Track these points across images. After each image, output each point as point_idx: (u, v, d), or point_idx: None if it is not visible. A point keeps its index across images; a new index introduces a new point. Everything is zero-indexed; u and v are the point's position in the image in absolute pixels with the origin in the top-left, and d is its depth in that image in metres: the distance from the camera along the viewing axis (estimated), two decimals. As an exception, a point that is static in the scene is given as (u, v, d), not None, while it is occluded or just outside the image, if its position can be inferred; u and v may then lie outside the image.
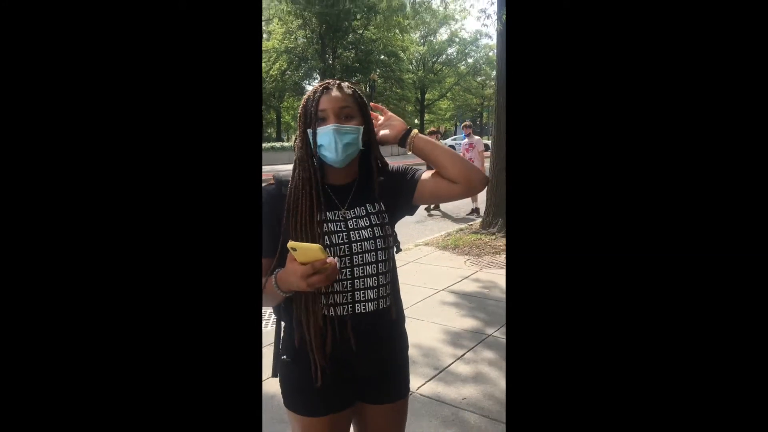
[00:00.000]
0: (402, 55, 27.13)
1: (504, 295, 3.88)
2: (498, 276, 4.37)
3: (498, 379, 2.55)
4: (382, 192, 1.18)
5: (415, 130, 1.17)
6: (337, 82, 1.15)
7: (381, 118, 1.22)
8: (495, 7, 5.95)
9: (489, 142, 8.43)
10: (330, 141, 1.09)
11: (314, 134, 1.10)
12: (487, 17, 6.05)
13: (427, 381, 2.52)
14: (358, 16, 22.96)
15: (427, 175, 1.17)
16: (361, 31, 24.00)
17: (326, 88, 1.13)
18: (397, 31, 22.08)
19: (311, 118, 1.10)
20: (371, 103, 1.20)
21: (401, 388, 1.22)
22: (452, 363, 2.73)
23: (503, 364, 2.70)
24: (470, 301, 3.69)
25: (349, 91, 1.14)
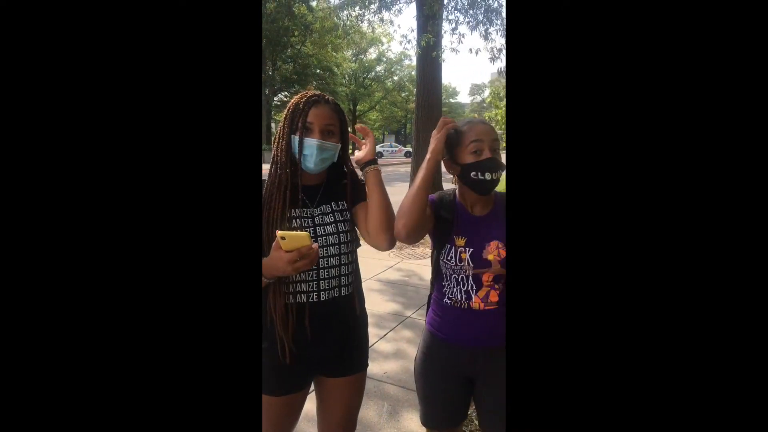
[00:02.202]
0: (336, 70, 26.95)
1: (421, 282, 3.99)
2: (416, 265, 4.48)
3: (414, 354, 2.62)
4: (347, 194, 1.20)
5: (376, 166, 1.17)
6: (325, 96, 1.14)
7: (363, 142, 1.19)
8: (415, 34, 6.08)
9: (411, 149, 8.61)
10: (312, 153, 1.10)
11: (300, 142, 1.09)
12: (408, 42, 6.16)
13: (354, 359, 2.54)
14: (296, 33, 22.43)
15: (363, 207, 1.18)
16: (298, 47, 23.47)
17: (316, 101, 1.11)
18: (330, 48, 21.86)
19: (297, 125, 1.09)
20: (357, 125, 1.22)
21: (359, 363, 1.24)
22: (376, 342, 2.77)
23: (419, 340, 2.77)
24: (393, 288, 3.76)
25: (335, 108, 1.14)
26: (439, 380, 1.23)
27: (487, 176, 1.11)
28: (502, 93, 11.93)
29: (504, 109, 10.70)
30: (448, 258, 1.17)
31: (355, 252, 1.22)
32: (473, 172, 1.12)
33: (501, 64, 5.70)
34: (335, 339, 1.16)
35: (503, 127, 11.02)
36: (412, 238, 1.11)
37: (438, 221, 1.20)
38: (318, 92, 1.14)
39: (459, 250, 1.16)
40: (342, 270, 1.15)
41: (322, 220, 1.14)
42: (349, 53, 30.70)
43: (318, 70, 24.95)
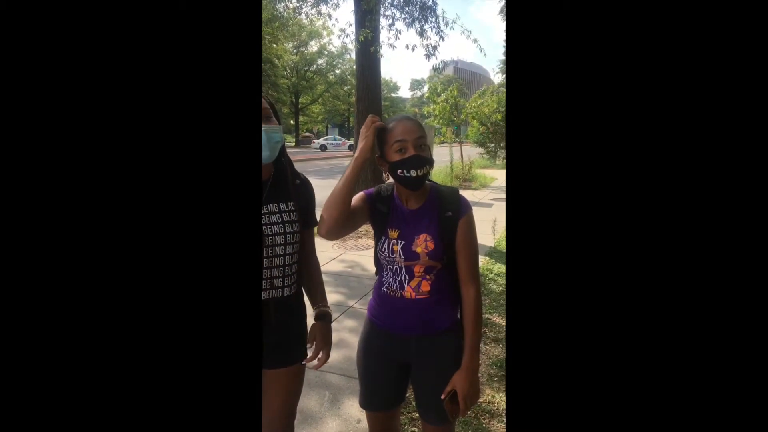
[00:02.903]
0: (276, 62, 26.09)
1: (364, 272, 4.03)
2: (359, 256, 4.51)
3: (356, 343, 2.66)
4: (297, 194, 1.17)
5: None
6: None
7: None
8: (353, 28, 6.03)
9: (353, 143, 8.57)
10: (263, 141, 1.06)
11: None
12: (347, 36, 6.11)
13: (297, 351, 2.53)
14: (233, 23, 21.41)
15: (310, 233, 1.25)
16: (236, 37, 22.44)
17: None
18: (268, 39, 21.05)
19: None
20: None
21: (298, 354, 1.25)
22: (319, 333, 2.76)
23: (360, 329, 2.81)
24: (336, 279, 3.76)
25: (263, 96, 1.10)
26: (376, 365, 1.27)
27: (413, 173, 1.13)
28: (440, 89, 12.21)
29: (441, 104, 10.97)
30: (383, 250, 1.20)
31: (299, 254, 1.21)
32: (399, 170, 1.14)
33: (436, 60, 5.80)
34: (275, 334, 1.16)
35: (441, 121, 11.29)
36: (332, 235, 1.13)
37: (375, 214, 1.22)
38: None
39: (392, 242, 1.19)
40: (286, 271, 1.14)
41: (268, 220, 1.12)
42: (290, 45, 29.85)
43: (258, 62, 24.02)
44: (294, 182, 1.18)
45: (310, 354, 1.26)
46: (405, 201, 1.22)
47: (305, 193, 1.22)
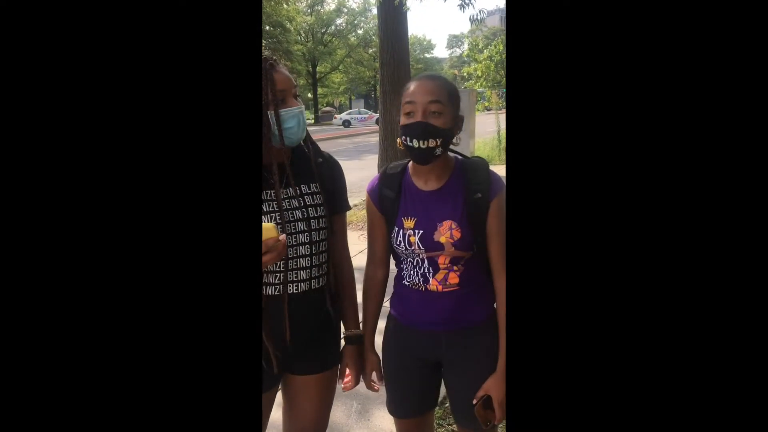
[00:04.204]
0: (288, 25, 26.23)
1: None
2: (390, 246, 4.53)
3: (387, 345, 2.68)
4: (320, 174, 1.17)
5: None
6: (273, 57, 1.10)
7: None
8: (374, -22, 5.94)
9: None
10: (298, 123, 1.07)
11: (278, 116, 1.05)
12: (366, -11, 6.02)
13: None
14: (239, -17, 21.64)
15: (340, 219, 1.25)
16: (242, 0, 22.71)
17: (272, 65, 1.07)
18: (278, -1, 21.18)
19: (268, 98, 1.05)
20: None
21: (332, 359, 1.25)
22: (344, 335, 2.81)
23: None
24: (362, 274, 3.79)
25: (287, 68, 1.12)
26: (403, 365, 1.26)
27: (414, 143, 1.07)
28: (481, 45, 11.90)
29: (484, 63, 10.69)
30: (398, 242, 1.16)
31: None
32: (402, 136, 1.09)
33: (473, 10, 5.64)
34: (306, 335, 1.16)
35: (484, 84, 11.03)
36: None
37: (382, 201, 1.20)
38: (268, 55, 1.10)
39: (407, 233, 1.15)
40: (314, 260, 1.14)
41: (289, 204, 1.12)
42: (303, 5, 29.87)
43: (267, 27, 24.22)
44: (316, 161, 1.18)
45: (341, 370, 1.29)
46: (423, 180, 1.17)
47: (330, 172, 1.21)
